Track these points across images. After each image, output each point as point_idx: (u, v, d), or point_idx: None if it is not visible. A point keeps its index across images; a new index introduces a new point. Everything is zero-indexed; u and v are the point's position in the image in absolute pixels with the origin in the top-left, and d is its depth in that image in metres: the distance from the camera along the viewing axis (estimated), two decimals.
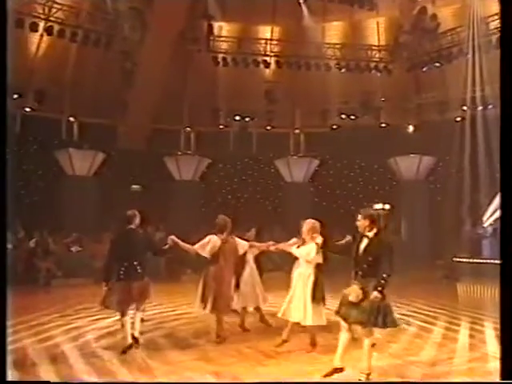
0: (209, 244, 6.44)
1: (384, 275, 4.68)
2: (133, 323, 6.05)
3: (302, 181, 22.92)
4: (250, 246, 6.95)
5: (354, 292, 4.77)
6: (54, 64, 19.71)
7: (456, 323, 7.90)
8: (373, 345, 4.86)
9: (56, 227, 17.31)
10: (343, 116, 23.05)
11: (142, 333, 6.42)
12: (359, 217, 5.04)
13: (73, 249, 14.51)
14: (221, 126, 22.83)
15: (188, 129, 23.07)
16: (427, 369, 5.33)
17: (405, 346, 6.34)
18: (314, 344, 6.06)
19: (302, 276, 6.02)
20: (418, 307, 9.23)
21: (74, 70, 20.02)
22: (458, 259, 15.95)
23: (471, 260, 15.56)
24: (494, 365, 5.57)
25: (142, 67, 19.76)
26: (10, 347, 6.14)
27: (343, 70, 20.01)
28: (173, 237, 6.60)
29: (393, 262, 4.81)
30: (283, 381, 4.37)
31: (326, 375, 4.92)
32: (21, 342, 6.51)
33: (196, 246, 6.54)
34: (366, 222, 4.91)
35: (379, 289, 4.64)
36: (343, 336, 4.90)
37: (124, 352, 5.72)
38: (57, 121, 21.12)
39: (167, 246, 6.80)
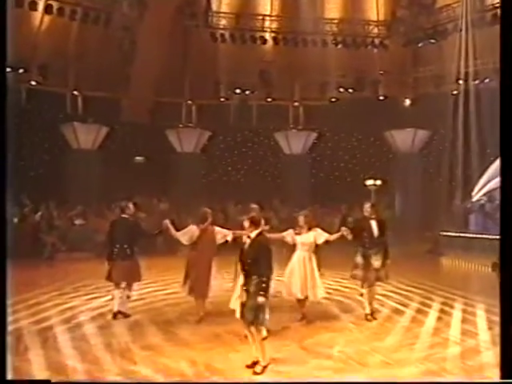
0: (187, 233, 6.69)
1: (264, 278, 4.75)
2: (121, 298, 6.85)
3: (301, 153, 22.99)
4: (234, 235, 7.09)
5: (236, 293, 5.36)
6: (56, 39, 19.59)
7: (428, 304, 8.13)
8: (264, 338, 5.04)
9: (61, 200, 17.62)
10: (341, 89, 22.86)
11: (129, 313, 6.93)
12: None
13: (76, 222, 14.81)
14: (221, 99, 22.76)
15: (189, 102, 23.01)
16: (389, 355, 5.57)
17: (374, 331, 6.58)
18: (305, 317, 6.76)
19: (301, 260, 6.59)
20: (396, 286, 9.47)
21: (76, 44, 19.91)
22: (444, 233, 16.18)
23: (457, 234, 15.78)
24: (453, 350, 5.84)
25: (142, 42, 19.60)
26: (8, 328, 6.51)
27: (340, 46, 19.71)
28: (167, 221, 6.95)
29: (271, 264, 4.91)
30: (283, 381, 4.50)
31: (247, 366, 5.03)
32: (18, 323, 6.81)
33: (178, 233, 6.78)
34: (247, 224, 5.03)
35: (261, 293, 4.73)
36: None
37: (114, 318, 6.83)
38: (61, 95, 21.14)
39: (158, 231, 7.46)
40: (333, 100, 22.94)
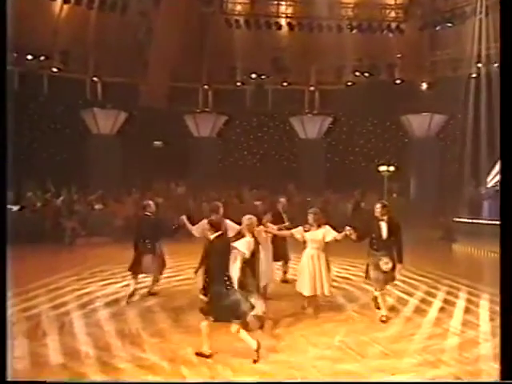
0: (200, 227, 6.84)
1: (225, 277, 5.13)
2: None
3: (316, 137, 22.97)
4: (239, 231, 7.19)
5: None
6: (76, 27, 19.83)
7: (433, 294, 8.20)
8: (238, 330, 5.20)
9: (82, 185, 18.06)
10: (357, 73, 22.66)
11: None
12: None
13: (96, 206, 15.15)
14: (237, 84, 22.79)
15: (206, 87, 23.08)
16: (388, 346, 5.70)
17: (376, 321, 6.69)
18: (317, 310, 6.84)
19: (310, 257, 6.60)
20: (404, 274, 9.52)
21: (94, 31, 20.10)
22: (458, 219, 16.06)
23: (471, 220, 15.63)
24: (451, 341, 5.93)
25: (159, 28, 19.66)
26: (28, 313, 6.85)
27: (355, 31, 19.41)
28: (183, 217, 7.23)
29: (228, 263, 5.30)
30: (284, 380, 4.59)
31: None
32: (38, 308, 7.13)
33: (193, 228, 7.00)
34: (208, 226, 5.48)
35: (228, 289, 5.12)
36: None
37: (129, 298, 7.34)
38: (81, 81, 21.44)
39: (176, 226, 7.66)
40: (349, 84, 22.77)
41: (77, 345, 5.62)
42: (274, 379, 4.75)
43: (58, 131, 20.42)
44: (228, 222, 6.93)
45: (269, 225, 7.28)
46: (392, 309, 7.25)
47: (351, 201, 17.62)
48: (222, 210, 7.17)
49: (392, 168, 17.24)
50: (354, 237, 6.50)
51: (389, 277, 6.52)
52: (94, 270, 9.66)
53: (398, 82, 22.49)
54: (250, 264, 5.99)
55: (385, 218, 6.46)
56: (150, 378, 4.74)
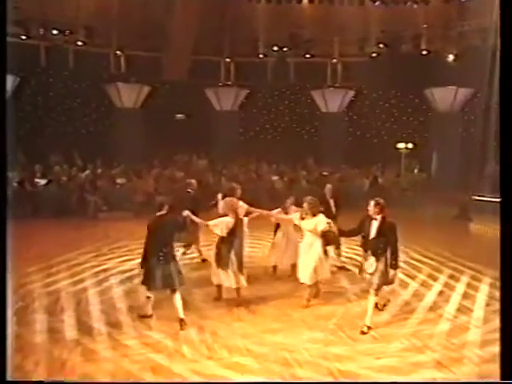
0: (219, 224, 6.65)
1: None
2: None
3: (337, 111, 22.79)
4: (248, 212, 7.50)
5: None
6: (99, 1, 19.99)
7: (435, 277, 8.40)
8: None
9: (106, 159, 18.62)
10: (381, 45, 22.22)
11: None
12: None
13: (119, 181, 15.66)
14: (259, 56, 22.70)
15: (227, 60, 23.06)
16: (379, 330, 5.99)
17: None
18: (317, 295, 7.02)
19: (307, 245, 6.74)
20: (410, 255, 9.74)
21: (118, 5, 20.21)
22: (475, 197, 15.90)
23: (489, 199, 15.45)
24: (442, 327, 6.18)
25: (181, 1, 19.66)
26: (48, 289, 7.42)
27: (377, 3, 18.94)
28: (187, 212, 6.64)
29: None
30: (283, 381, 4.77)
31: None
32: (58, 284, 7.70)
33: (210, 223, 6.71)
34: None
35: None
36: None
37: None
38: (105, 55, 21.75)
39: (214, 202, 7.97)
40: (373, 56, 22.35)
41: (90, 321, 6.14)
42: (266, 360, 5.14)
43: (83, 105, 20.93)
44: (240, 203, 7.34)
45: (261, 211, 7.61)
46: (390, 292, 7.51)
47: (369, 177, 17.62)
48: (239, 192, 7.54)
49: (410, 145, 17.09)
50: (334, 229, 6.49)
51: (382, 280, 5.95)
52: (112, 247, 10.20)
53: (423, 53, 21.94)
54: (227, 241, 6.55)
55: (378, 217, 5.92)
56: (153, 356, 5.19)
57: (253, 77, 22.54)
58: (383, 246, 5.89)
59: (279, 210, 7.80)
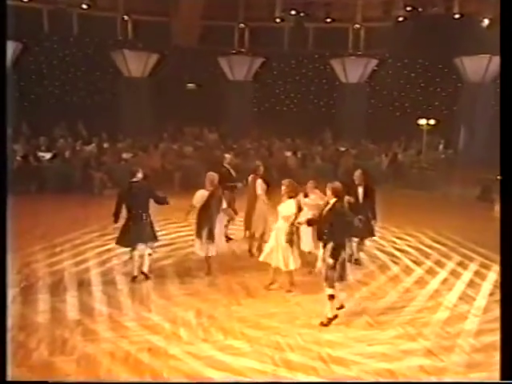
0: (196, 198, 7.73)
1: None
2: (141, 257, 7.65)
3: (358, 81, 22.87)
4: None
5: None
6: None
7: (442, 263, 8.82)
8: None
9: (112, 130, 19.21)
10: (409, 8, 22.06)
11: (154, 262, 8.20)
12: None
13: (124, 155, 16.24)
14: (276, 20, 22.75)
15: (242, 25, 23.19)
16: (375, 317, 6.50)
17: (372, 291, 7.46)
18: (292, 283, 7.39)
19: (278, 230, 7.16)
20: (419, 240, 10.15)
21: None
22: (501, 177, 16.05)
23: None
24: (439, 316, 6.65)
25: None
26: (53, 268, 8.09)
27: None
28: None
29: None
30: (284, 381, 5.10)
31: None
32: (62, 264, 8.36)
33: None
34: None
35: None
36: None
37: (132, 280, 7.51)
38: (112, 20, 22.09)
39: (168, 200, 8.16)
40: (399, 20, 22.21)
41: (92, 302, 6.77)
42: (259, 345, 5.70)
43: (88, 74, 21.43)
44: (259, 181, 8.78)
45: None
46: (393, 279, 7.99)
47: (389, 154, 17.86)
48: (261, 169, 8.83)
49: (432, 121, 17.21)
50: (303, 222, 6.81)
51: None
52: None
53: (456, 16, 21.69)
54: (203, 212, 7.61)
55: (330, 207, 6.08)
56: (151, 337, 5.80)
57: (268, 44, 22.71)
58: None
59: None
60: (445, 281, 8.00)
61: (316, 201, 7.47)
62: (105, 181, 14.30)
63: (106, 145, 17.32)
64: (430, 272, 8.40)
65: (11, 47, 18.57)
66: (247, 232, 9.08)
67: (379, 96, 22.96)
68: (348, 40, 23.34)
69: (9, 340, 4.98)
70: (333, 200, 6.05)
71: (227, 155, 10.12)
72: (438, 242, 10.18)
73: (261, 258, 7.45)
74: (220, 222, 7.94)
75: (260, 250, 8.48)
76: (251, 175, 9.00)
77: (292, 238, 7.08)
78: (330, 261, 5.98)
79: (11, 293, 6.86)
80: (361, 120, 22.16)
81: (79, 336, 5.76)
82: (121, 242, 7.74)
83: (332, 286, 6.12)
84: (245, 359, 5.33)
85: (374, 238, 9.04)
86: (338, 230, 5.98)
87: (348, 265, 6.40)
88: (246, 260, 8.72)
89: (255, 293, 7.27)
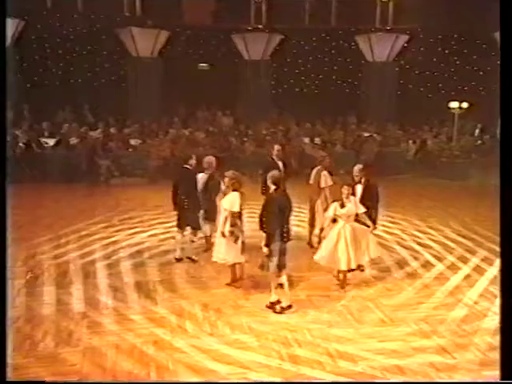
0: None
1: None
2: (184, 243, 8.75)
3: (386, 60, 22.91)
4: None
5: None
6: None
7: (466, 259, 9.12)
8: None
9: (119, 114, 19.73)
10: None
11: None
12: None
13: (132, 142, 16.77)
14: None
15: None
16: (389, 313, 6.88)
17: (389, 287, 7.84)
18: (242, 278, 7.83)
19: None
20: (443, 234, 10.46)
21: None
22: None
23: None
24: (457, 313, 6.99)
25: None
26: (58, 260, 8.65)
27: None
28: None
29: None
30: (284, 381, 5.43)
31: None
32: (67, 255, 8.91)
33: None
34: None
35: None
36: None
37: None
38: None
39: None
40: None
41: (98, 295, 7.29)
42: (266, 340, 6.13)
43: (94, 53, 21.93)
44: (324, 172, 9.20)
45: None
46: (411, 275, 8.35)
47: (417, 140, 18.04)
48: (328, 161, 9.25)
49: (465, 104, 17.30)
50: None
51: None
52: (123, 217, 11.37)
53: None
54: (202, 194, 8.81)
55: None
56: (157, 331, 6.28)
57: (287, 19, 22.84)
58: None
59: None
60: (467, 277, 8.32)
61: (351, 211, 7.56)
62: (112, 169, 14.86)
63: (112, 130, 17.85)
64: (452, 268, 8.72)
65: (12, 25, 19.05)
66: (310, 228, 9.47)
67: (409, 76, 23.01)
68: (375, 14, 23.32)
69: (9, 340, 5.40)
70: (272, 189, 6.82)
71: (276, 146, 9.62)
72: (464, 237, 10.47)
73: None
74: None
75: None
76: (316, 167, 9.16)
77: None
78: (265, 249, 6.70)
79: (16, 285, 7.42)
80: (388, 102, 22.29)
81: (85, 328, 6.27)
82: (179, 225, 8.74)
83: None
84: (251, 353, 5.78)
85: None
86: (271, 219, 6.63)
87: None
88: None
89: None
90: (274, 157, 9.29)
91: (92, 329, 6.27)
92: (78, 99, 20.66)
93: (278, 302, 6.92)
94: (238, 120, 21.33)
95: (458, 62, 23.04)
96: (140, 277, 8.00)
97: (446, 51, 22.96)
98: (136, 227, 10.55)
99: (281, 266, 6.85)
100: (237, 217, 7.35)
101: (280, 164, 9.12)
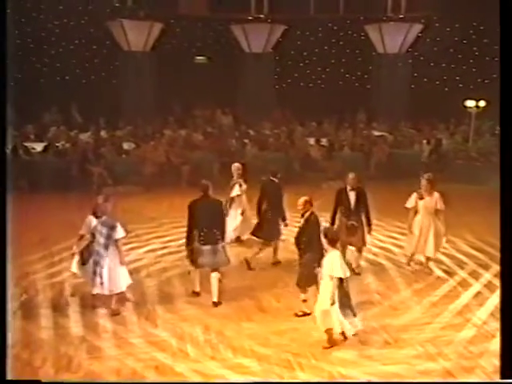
0: None
1: None
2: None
3: (398, 51, 23.34)
4: None
5: None
6: None
7: (478, 274, 9.67)
8: None
9: (111, 115, 20.25)
10: None
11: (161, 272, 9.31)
12: None
13: (125, 146, 17.32)
14: None
15: None
16: (395, 334, 7.45)
17: (395, 306, 8.40)
18: None
19: None
20: (455, 247, 11.01)
21: None
22: None
23: None
24: (465, 334, 7.55)
25: None
26: (52, 280, 9.23)
27: None
28: None
29: None
30: (284, 380, 6.12)
31: None
32: (62, 275, 9.50)
33: None
34: None
35: None
36: None
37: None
38: None
39: None
40: None
41: (95, 318, 7.88)
42: (270, 366, 6.70)
43: (82, 48, 22.45)
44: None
45: None
46: (418, 292, 8.91)
47: (431, 140, 18.45)
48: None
49: (483, 103, 17.75)
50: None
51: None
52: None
53: None
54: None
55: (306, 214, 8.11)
56: (158, 355, 6.86)
57: (291, 8, 23.25)
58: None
59: None
60: (477, 295, 8.86)
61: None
62: (104, 177, 15.40)
63: (103, 132, 18.38)
64: (463, 284, 9.27)
65: None
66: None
67: (424, 68, 23.41)
68: (386, 1, 23.74)
69: (9, 340, 5.99)
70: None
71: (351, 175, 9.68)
72: (477, 249, 11.01)
73: None
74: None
75: None
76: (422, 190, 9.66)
77: None
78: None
79: (10, 307, 8.00)
80: (401, 98, 22.74)
81: (84, 354, 6.87)
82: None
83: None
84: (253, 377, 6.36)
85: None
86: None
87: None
88: None
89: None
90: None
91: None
92: (65, 98, 21.15)
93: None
94: (238, 119, 21.78)
95: (476, 53, 23.39)
96: (141, 297, 8.59)
97: (464, 41, 23.32)
98: (131, 242, 11.06)
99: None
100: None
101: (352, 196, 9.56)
